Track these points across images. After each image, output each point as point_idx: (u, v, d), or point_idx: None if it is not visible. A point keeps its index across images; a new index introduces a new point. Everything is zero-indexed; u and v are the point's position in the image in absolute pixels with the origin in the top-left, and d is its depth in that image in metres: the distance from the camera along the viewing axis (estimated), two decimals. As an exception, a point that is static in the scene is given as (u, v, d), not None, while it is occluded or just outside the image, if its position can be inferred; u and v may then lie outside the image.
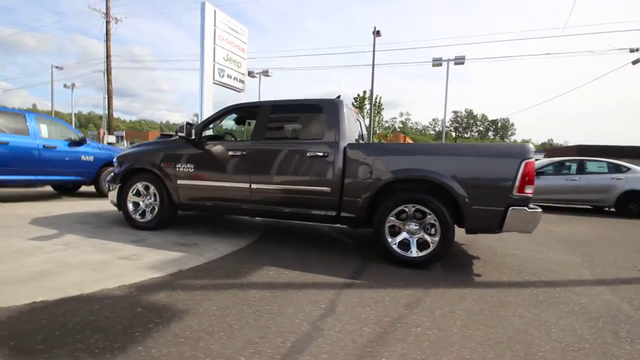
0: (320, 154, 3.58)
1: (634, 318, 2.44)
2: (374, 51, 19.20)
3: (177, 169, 4.16)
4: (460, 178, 3.15)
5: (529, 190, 3.05)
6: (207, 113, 18.45)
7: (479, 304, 2.57)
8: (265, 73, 23.41)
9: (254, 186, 3.82)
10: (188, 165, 4.12)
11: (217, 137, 4.58)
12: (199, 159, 4.11)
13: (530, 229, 3.14)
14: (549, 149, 43.23)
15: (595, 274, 3.47)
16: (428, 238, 3.29)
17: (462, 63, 18.43)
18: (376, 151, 3.54)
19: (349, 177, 3.49)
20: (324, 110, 3.76)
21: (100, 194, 7.45)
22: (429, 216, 3.26)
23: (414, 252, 3.31)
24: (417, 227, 3.35)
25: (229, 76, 19.57)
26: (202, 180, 4.08)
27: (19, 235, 3.80)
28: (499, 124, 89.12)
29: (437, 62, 18.69)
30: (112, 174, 4.71)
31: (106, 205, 6.27)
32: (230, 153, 3.98)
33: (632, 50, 14.66)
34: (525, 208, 3.05)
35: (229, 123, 5.40)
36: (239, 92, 21.54)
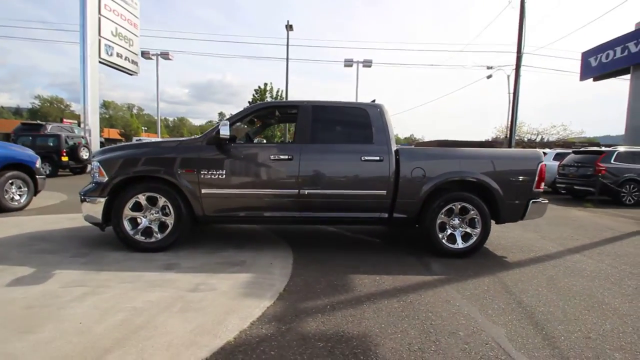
0: (377, 158, 3.65)
1: (618, 268, 3.49)
2: (287, 45, 19.14)
3: (203, 176, 3.52)
4: (499, 179, 3.74)
5: (542, 186, 3.86)
6: (92, 98, 15.13)
7: (546, 282, 3.15)
8: (165, 56, 20.28)
9: (304, 192, 3.59)
10: (218, 172, 3.54)
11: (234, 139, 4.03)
12: (231, 164, 3.58)
13: (540, 216, 3.99)
14: (417, 143, 51.41)
15: (562, 245, 4.61)
16: (471, 231, 3.79)
17: (370, 66, 20.37)
18: (428, 155, 3.82)
19: (404, 179, 3.68)
20: (370, 115, 3.81)
21: (-4, 208, 5.46)
22: (471, 212, 3.76)
23: (460, 244, 3.77)
24: (458, 222, 3.82)
25: (119, 55, 16.55)
26: (237, 189, 3.58)
27: (-18, 282, 2.61)
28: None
29: (348, 63, 20.11)
30: (92, 183, 3.61)
31: (26, 223, 4.71)
32: (272, 157, 3.61)
33: (488, 67, 19.15)
34: (540, 200, 3.87)
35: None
36: (132, 75, 18.38)
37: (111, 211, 3.53)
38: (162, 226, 3.62)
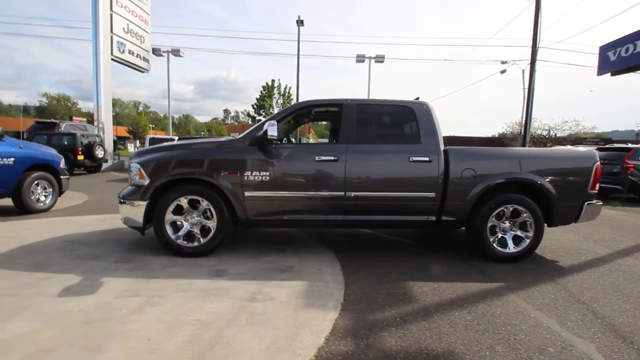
0: (426, 158, 3.49)
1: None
2: (298, 41, 18.96)
3: (246, 177, 3.40)
4: (552, 180, 3.57)
5: (596, 187, 3.69)
6: (106, 95, 15.07)
7: (611, 289, 3.00)
8: (176, 53, 20.15)
9: (350, 194, 3.46)
10: (262, 173, 3.41)
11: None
12: (275, 165, 3.45)
13: (594, 218, 3.81)
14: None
15: (609, 247, 4.43)
16: (522, 234, 3.63)
17: (382, 61, 20.13)
18: (478, 155, 3.65)
19: (453, 181, 3.52)
20: (417, 113, 3.65)
21: (23, 209, 5.39)
22: (524, 215, 3.59)
23: (512, 248, 3.62)
24: (509, 225, 3.66)
25: (130, 52, 16.44)
26: (281, 191, 3.45)
27: (35, 293, 2.51)
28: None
29: (360, 59, 19.89)
30: (131, 186, 3.50)
31: (57, 226, 4.62)
32: (317, 158, 3.48)
33: (502, 62, 18.84)
34: (595, 202, 3.69)
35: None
36: (143, 72, 18.29)
37: (152, 214, 3.43)
38: (203, 230, 3.51)
